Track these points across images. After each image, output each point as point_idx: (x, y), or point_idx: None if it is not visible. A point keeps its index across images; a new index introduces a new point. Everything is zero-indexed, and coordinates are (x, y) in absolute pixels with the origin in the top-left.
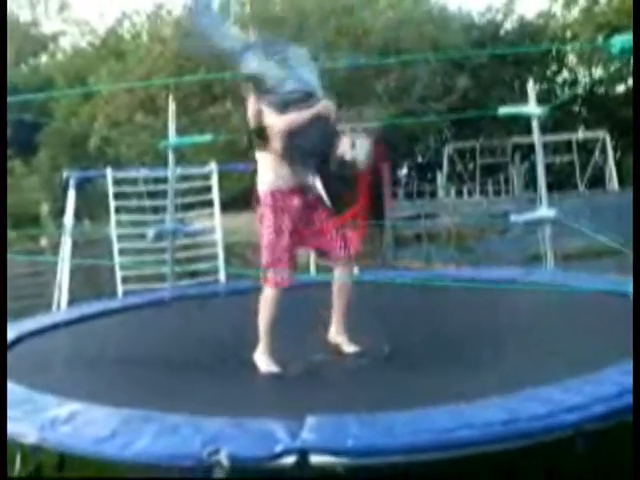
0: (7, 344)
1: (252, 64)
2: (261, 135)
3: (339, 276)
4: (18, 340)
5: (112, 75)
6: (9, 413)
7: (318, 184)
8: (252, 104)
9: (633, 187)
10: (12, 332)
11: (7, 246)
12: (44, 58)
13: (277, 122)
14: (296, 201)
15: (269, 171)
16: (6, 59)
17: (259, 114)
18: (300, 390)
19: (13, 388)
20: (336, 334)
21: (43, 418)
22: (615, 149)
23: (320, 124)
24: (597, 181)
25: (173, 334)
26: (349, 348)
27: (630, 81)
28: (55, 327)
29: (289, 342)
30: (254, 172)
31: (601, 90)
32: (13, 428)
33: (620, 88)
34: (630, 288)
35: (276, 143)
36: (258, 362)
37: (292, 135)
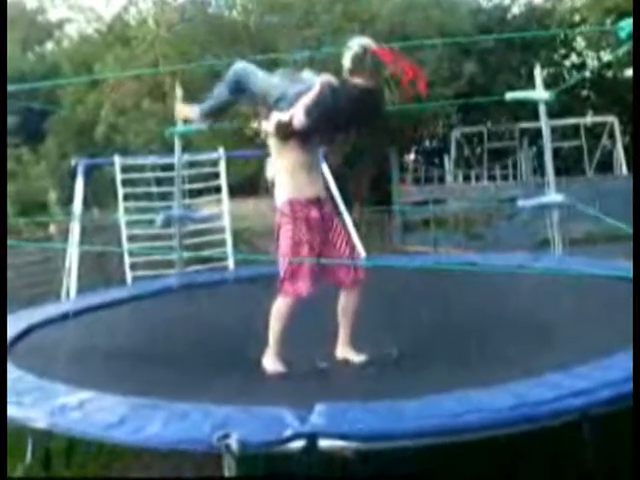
0: (18, 334)
1: (260, 84)
2: (285, 135)
3: (345, 299)
4: (29, 330)
5: (118, 62)
6: (20, 399)
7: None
8: (265, 119)
9: (633, 173)
10: (22, 322)
11: (11, 240)
12: (50, 45)
13: (293, 115)
14: (314, 212)
15: (287, 182)
16: (6, 57)
17: (279, 123)
18: (308, 379)
19: (24, 376)
20: (343, 350)
21: (53, 404)
22: (624, 133)
23: (333, 95)
24: (605, 166)
25: (183, 323)
26: (358, 358)
27: None
28: (65, 317)
29: (296, 347)
30: (261, 158)
31: (609, 74)
32: (24, 413)
33: (629, 72)
34: None
35: (300, 137)
36: (266, 366)
37: (313, 120)
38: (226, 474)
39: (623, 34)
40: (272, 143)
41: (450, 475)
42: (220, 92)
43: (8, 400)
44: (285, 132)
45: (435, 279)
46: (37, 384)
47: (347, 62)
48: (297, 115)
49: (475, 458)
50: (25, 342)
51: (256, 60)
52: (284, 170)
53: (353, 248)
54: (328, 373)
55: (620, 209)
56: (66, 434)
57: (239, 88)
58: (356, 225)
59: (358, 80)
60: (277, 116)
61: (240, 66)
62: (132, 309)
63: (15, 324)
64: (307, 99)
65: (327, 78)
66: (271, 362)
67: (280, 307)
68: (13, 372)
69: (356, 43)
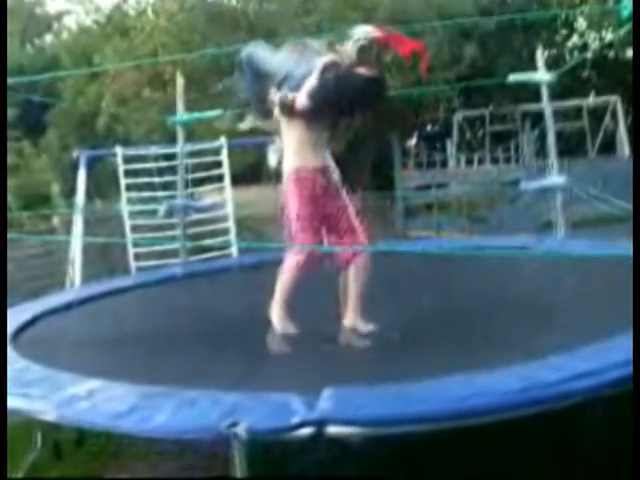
0: (23, 324)
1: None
2: (289, 113)
3: (354, 267)
4: (34, 319)
5: (118, 53)
6: (27, 391)
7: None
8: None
9: (633, 155)
10: (27, 312)
11: (13, 233)
12: (49, 38)
13: (297, 98)
14: (320, 179)
15: (293, 154)
16: (6, 55)
17: (284, 99)
18: (314, 361)
19: (30, 366)
20: (351, 319)
21: (61, 395)
22: (627, 114)
23: (336, 82)
24: (608, 147)
25: (188, 310)
26: (366, 328)
27: None
28: (69, 306)
29: (302, 323)
30: (263, 146)
31: (611, 54)
32: (32, 406)
33: (631, 52)
34: None
35: (304, 117)
36: (275, 321)
37: (315, 103)
38: (235, 461)
39: (625, 13)
40: (279, 118)
41: (455, 458)
42: (248, 84)
43: (15, 392)
44: (289, 111)
45: (438, 263)
46: (43, 374)
47: (352, 53)
48: (299, 97)
49: (479, 442)
50: (30, 331)
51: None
52: (290, 144)
53: (361, 216)
54: (334, 354)
55: (623, 190)
56: (74, 425)
57: (256, 72)
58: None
59: (362, 69)
60: (281, 94)
61: (245, 52)
62: (137, 297)
63: (19, 315)
64: (310, 83)
65: (331, 60)
66: (280, 320)
67: (290, 266)
68: (19, 362)
69: (361, 32)
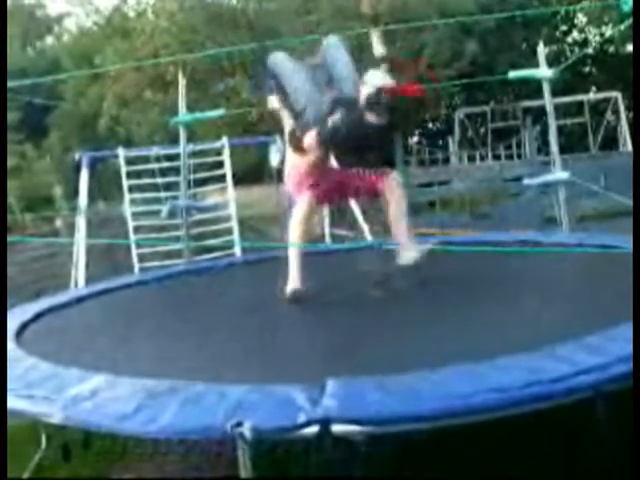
0: (27, 321)
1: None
2: (297, 147)
3: (388, 204)
4: (38, 316)
5: (119, 54)
6: (32, 392)
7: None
8: (288, 123)
9: (632, 147)
10: (30, 311)
11: (17, 235)
12: (50, 40)
13: (305, 138)
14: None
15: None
16: (6, 56)
17: (293, 133)
18: (319, 339)
19: (35, 364)
20: (404, 248)
21: (66, 396)
22: (628, 109)
23: (345, 122)
24: (610, 142)
25: (191, 304)
26: (403, 260)
27: None
28: (73, 302)
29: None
30: (265, 145)
31: (612, 49)
32: (37, 408)
33: (631, 47)
34: None
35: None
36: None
37: (324, 144)
38: (240, 461)
39: (626, 7)
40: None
41: (462, 454)
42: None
43: (19, 392)
44: (296, 144)
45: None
46: (48, 372)
47: (362, 99)
48: (309, 140)
49: (485, 439)
50: (33, 328)
51: (258, 46)
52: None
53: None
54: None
55: (625, 185)
56: (81, 427)
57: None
58: (362, 209)
59: (372, 116)
60: (290, 128)
61: (272, 60)
62: (142, 292)
63: (22, 314)
64: (321, 131)
65: (342, 114)
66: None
67: (298, 210)
68: (23, 359)
69: (374, 79)
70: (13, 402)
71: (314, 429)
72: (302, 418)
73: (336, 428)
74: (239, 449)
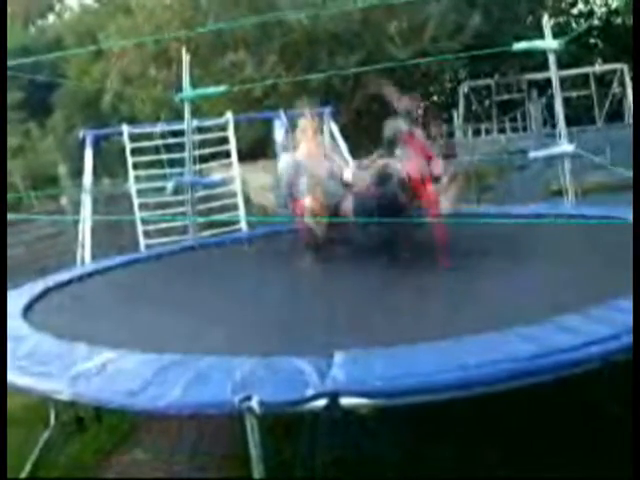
0: (35, 297)
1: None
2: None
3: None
4: (45, 292)
5: (121, 31)
6: (41, 369)
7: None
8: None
9: (633, 119)
10: (37, 288)
11: (23, 214)
12: (51, 18)
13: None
14: None
15: None
16: (6, 48)
17: None
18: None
19: (44, 340)
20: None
21: (75, 372)
22: (634, 80)
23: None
24: (616, 114)
25: (197, 279)
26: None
27: None
28: (82, 278)
29: None
30: (268, 120)
31: (618, 21)
32: (46, 385)
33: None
34: None
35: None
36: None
37: None
38: (249, 434)
39: None
40: None
41: (473, 426)
42: None
43: (28, 369)
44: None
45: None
46: (56, 349)
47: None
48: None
49: (494, 411)
50: (41, 304)
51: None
52: None
53: None
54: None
55: (631, 157)
56: (90, 404)
57: None
58: None
59: (379, 190)
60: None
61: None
62: (150, 267)
63: (30, 290)
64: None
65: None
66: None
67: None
68: (32, 335)
69: (392, 128)
70: (22, 379)
71: (322, 402)
72: (310, 391)
73: (345, 401)
74: (247, 423)
